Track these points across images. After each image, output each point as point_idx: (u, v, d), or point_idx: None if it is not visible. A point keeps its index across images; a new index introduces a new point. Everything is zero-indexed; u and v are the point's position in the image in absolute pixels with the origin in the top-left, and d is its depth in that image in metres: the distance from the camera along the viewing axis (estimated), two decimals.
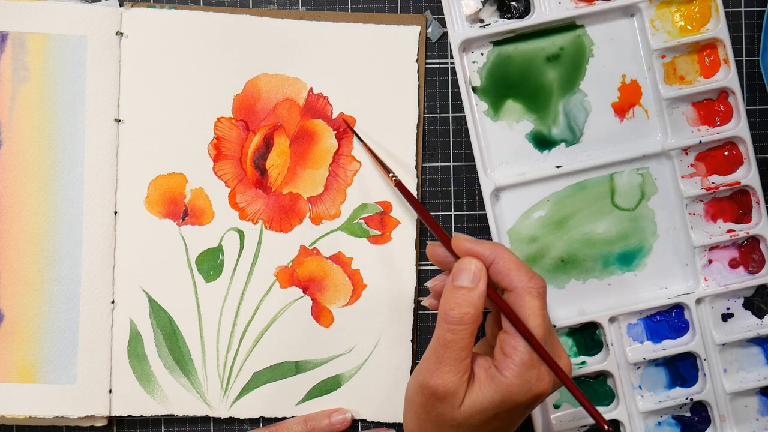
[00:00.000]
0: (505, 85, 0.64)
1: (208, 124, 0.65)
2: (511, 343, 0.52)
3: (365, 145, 0.64)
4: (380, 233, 0.65)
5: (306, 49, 0.64)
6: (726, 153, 0.64)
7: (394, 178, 0.61)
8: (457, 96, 0.65)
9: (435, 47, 0.65)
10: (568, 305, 0.65)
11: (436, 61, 0.65)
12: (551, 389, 0.53)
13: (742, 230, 0.64)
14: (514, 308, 0.52)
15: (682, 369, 0.65)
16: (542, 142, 0.65)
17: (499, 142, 0.64)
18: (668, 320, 0.65)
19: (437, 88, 0.66)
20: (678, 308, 0.65)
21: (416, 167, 0.65)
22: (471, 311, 0.52)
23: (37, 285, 0.64)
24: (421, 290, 0.65)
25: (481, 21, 0.64)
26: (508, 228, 0.64)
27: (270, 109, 0.65)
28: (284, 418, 0.65)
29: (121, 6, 0.64)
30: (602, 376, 0.65)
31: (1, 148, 0.63)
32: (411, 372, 0.65)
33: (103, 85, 0.64)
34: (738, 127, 0.63)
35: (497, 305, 0.53)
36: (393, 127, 0.65)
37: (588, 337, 0.65)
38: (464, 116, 0.64)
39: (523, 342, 0.52)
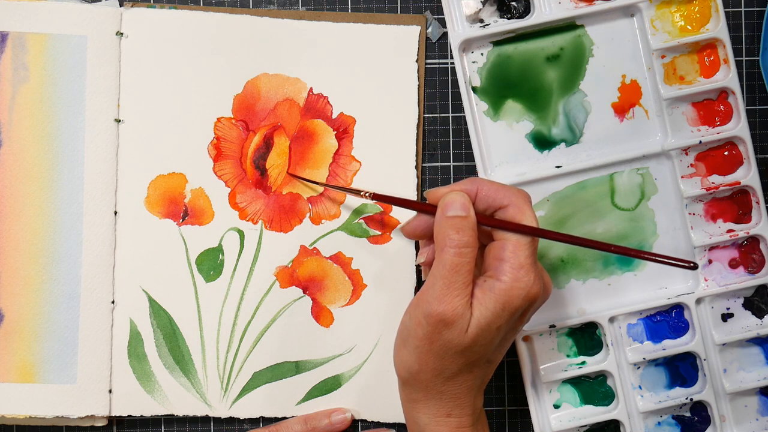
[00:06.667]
0: (505, 85, 0.64)
1: (208, 124, 0.65)
2: (509, 248, 0.53)
3: (318, 183, 0.64)
4: (380, 233, 0.65)
5: (306, 49, 0.64)
6: (726, 153, 0.64)
7: (368, 195, 0.60)
8: (457, 96, 0.65)
9: (435, 47, 0.65)
10: (568, 305, 0.65)
11: (436, 61, 0.65)
12: (546, 294, 0.55)
13: (742, 230, 0.64)
14: (513, 219, 0.54)
15: (682, 369, 0.65)
16: (542, 142, 0.65)
17: (499, 142, 0.64)
18: (668, 320, 0.65)
19: (437, 88, 0.65)
20: (678, 308, 0.65)
21: (416, 167, 0.65)
22: (472, 234, 0.53)
23: (37, 285, 0.64)
24: None
25: (481, 21, 0.64)
26: None
27: (270, 109, 0.65)
28: (284, 418, 0.65)
29: (121, 6, 0.64)
30: (602, 376, 0.65)
31: (1, 148, 0.63)
32: None
33: (103, 85, 0.64)
34: (738, 127, 0.63)
35: (490, 224, 0.54)
36: (393, 127, 0.65)
37: (588, 337, 0.65)
38: (464, 116, 0.64)
39: (518, 245, 0.53)
